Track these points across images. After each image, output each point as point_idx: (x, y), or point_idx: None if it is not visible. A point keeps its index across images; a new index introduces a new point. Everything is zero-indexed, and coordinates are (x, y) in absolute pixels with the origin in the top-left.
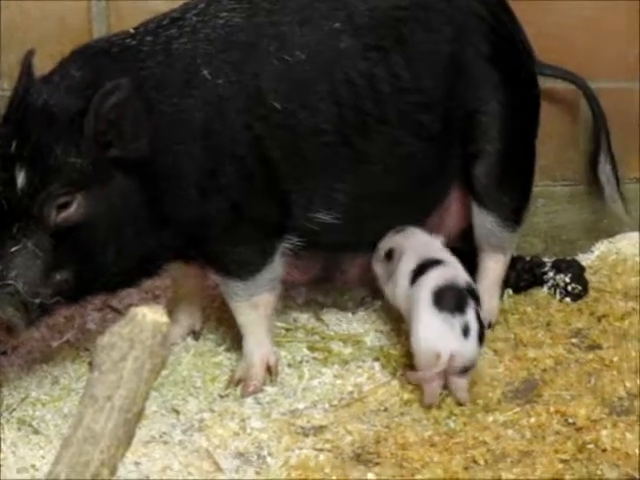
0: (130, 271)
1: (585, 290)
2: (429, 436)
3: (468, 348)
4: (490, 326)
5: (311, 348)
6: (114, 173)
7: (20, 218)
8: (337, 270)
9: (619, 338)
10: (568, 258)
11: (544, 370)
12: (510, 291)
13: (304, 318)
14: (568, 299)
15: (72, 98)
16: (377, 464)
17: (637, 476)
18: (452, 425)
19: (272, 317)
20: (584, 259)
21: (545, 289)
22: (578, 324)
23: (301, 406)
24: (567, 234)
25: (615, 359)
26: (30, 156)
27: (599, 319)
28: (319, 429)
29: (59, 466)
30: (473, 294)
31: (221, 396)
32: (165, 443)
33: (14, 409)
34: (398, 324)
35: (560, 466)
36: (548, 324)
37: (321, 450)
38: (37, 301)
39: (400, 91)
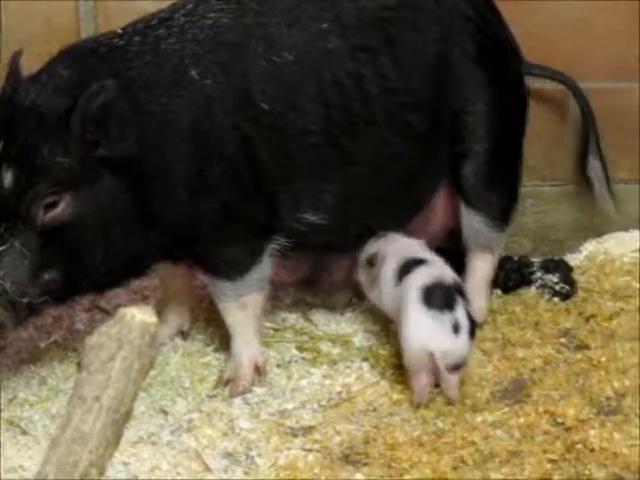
0: (118, 271)
1: (573, 290)
2: (418, 436)
3: (459, 345)
4: (478, 326)
5: (300, 348)
6: (102, 173)
7: (7, 218)
8: (324, 271)
9: (607, 338)
10: (556, 258)
11: (533, 370)
12: (498, 291)
13: (293, 318)
14: (556, 299)
15: (60, 98)
16: (366, 464)
17: (625, 476)
18: (441, 425)
19: (260, 317)
20: (572, 259)
21: (533, 289)
22: (566, 324)
23: (290, 406)
24: (555, 234)
25: (603, 359)
26: (17, 156)
27: (587, 319)
28: (308, 429)
29: (47, 466)
30: (460, 291)
31: (209, 396)
32: (153, 443)
33: (2, 410)
34: (386, 324)
35: (549, 466)
36: (536, 324)
37: (310, 450)
38: (25, 301)
39: (388, 92)
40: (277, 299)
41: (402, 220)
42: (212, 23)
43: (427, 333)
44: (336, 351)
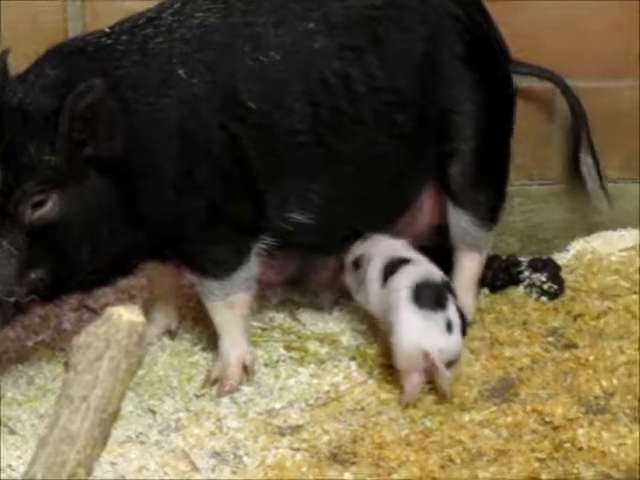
0: (105, 270)
1: (561, 289)
2: (406, 435)
3: (453, 343)
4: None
5: (287, 347)
6: (89, 172)
7: None
8: (311, 271)
9: (595, 337)
10: (544, 257)
11: (520, 369)
12: (486, 290)
13: (280, 318)
14: (544, 298)
15: (47, 97)
16: (354, 463)
17: (613, 475)
18: (428, 424)
19: (248, 317)
20: (560, 258)
21: (521, 288)
22: (554, 323)
23: (278, 405)
24: (543, 233)
25: (591, 358)
26: (4, 154)
27: (575, 318)
28: (296, 429)
29: (35, 466)
30: (450, 288)
31: (197, 396)
32: (141, 443)
33: None
34: (374, 323)
35: (536, 465)
36: (524, 323)
37: (298, 450)
38: (12, 300)
39: (375, 91)
40: (264, 298)
41: (389, 219)
42: (199, 22)
43: (421, 333)
44: (324, 350)
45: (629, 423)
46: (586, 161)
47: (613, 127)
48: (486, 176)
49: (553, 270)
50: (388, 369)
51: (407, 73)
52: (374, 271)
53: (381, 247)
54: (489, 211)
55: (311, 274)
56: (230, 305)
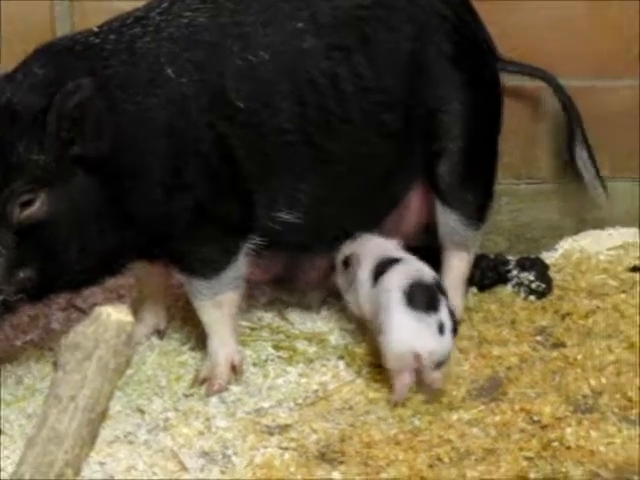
0: (93, 269)
1: (549, 288)
2: (394, 434)
3: (444, 344)
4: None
5: (276, 347)
6: (76, 171)
7: None
8: (299, 270)
9: (583, 336)
10: (532, 256)
11: (509, 368)
12: (474, 289)
13: (269, 317)
14: (532, 297)
15: (35, 96)
16: (342, 463)
17: (601, 473)
18: (417, 423)
19: (236, 316)
20: (548, 257)
21: (509, 287)
22: (542, 322)
23: (266, 405)
24: (531, 232)
25: (579, 357)
26: None
27: (563, 317)
28: (284, 428)
29: (23, 466)
30: (441, 289)
31: (186, 395)
32: (130, 443)
33: None
34: (362, 322)
35: (525, 464)
36: (512, 322)
37: (286, 449)
38: (0, 299)
39: (363, 90)
40: (253, 298)
41: (377, 218)
42: (188, 22)
43: (413, 335)
44: (312, 350)
45: (617, 422)
46: (581, 155)
47: (604, 126)
48: (474, 175)
49: (541, 269)
50: (376, 368)
51: (395, 73)
52: (364, 271)
53: (371, 247)
54: (477, 210)
55: (299, 273)
56: (218, 304)
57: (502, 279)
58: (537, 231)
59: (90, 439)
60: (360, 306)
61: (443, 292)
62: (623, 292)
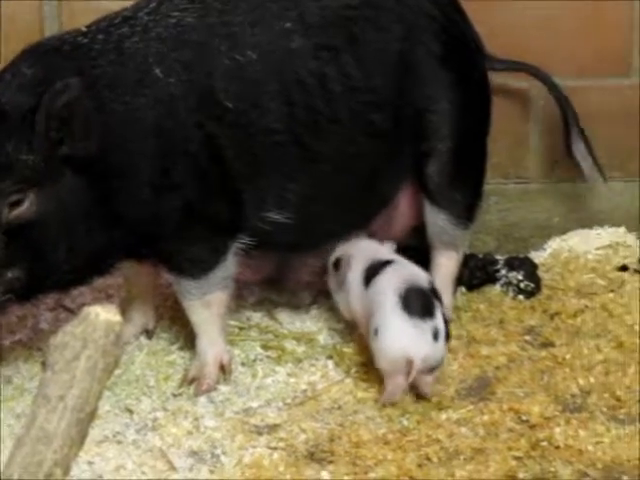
0: (82, 269)
1: (538, 288)
2: (383, 434)
3: (438, 350)
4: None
5: (265, 346)
6: (65, 171)
7: None
8: (289, 270)
9: (572, 335)
10: (521, 256)
11: (497, 368)
12: (463, 289)
13: (257, 317)
14: (521, 297)
15: (24, 96)
16: (331, 462)
17: (590, 473)
18: (406, 423)
19: (225, 316)
20: (537, 257)
21: (498, 287)
22: (531, 321)
23: (255, 405)
24: (519, 232)
25: (568, 356)
26: None
27: (552, 316)
28: (273, 427)
29: (12, 466)
30: (437, 294)
31: (174, 395)
32: (119, 442)
33: None
34: (351, 322)
35: (513, 463)
36: (501, 322)
37: (275, 449)
38: None
39: (351, 90)
40: (242, 298)
41: (366, 218)
42: (176, 22)
43: (408, 341)
44: (301, 349)
45: (606, 421)
46: (578, 147)
47: (594, 126)
48: (463, 175)
49: (530, 268)
50: (365, 368)
51: (383, 73)
52: (355, 273)
53: (361, 248)
54: (466, 210)
55: (288, 273)
56: (207, 304)
57: (491, 279)
58: (525, 231)
59: (79, 439)
60: (350, 308)
61: (438, 297)
62: (611, 291)
